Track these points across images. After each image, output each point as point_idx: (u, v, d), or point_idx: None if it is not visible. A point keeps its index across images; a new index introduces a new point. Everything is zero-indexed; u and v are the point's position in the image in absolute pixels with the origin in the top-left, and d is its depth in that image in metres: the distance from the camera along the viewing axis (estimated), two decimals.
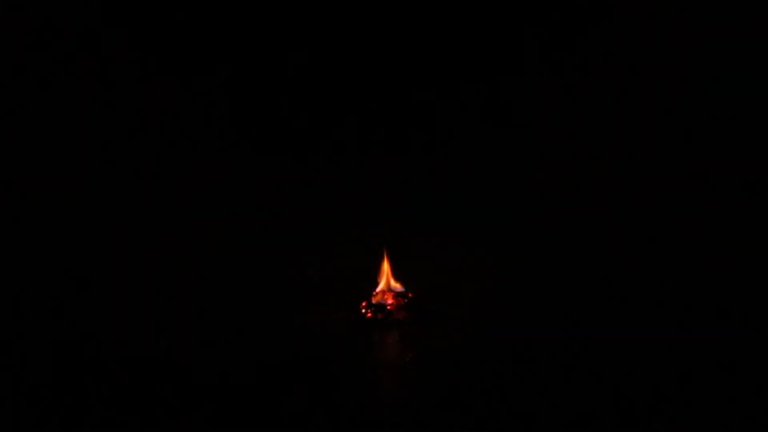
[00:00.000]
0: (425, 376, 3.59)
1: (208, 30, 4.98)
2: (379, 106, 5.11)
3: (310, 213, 5.12)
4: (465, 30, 5.05)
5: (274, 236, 5.12)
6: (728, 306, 4.34)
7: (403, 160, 5.16)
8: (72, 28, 4.85)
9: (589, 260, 4.97)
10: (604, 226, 5.01)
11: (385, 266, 4.55)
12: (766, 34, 4.77)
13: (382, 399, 3.35)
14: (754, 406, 3.11)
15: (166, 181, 5.03)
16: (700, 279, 4.56)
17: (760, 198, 4.79)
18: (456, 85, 5.10)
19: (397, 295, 4.45)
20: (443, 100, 5.11)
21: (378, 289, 4.51)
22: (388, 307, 4.38)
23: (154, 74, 4.96)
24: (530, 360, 3.72)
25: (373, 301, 4.44)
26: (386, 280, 4.53)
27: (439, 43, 5.06)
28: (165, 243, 4.95)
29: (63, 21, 4.84)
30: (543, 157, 5.11)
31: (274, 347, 3.95)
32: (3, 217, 4.82)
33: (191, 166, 5.04)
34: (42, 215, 4.85)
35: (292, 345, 3.98)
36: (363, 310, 4.40)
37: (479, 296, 4.79)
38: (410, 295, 4.46)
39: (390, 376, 3.68)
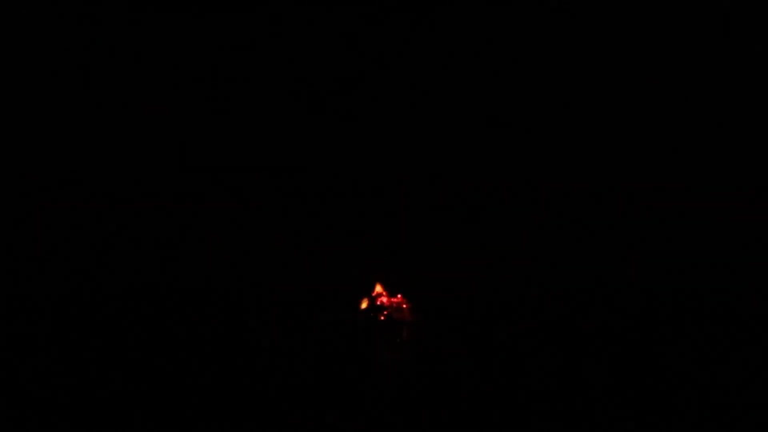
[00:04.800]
0: (425, 373, 3.59)
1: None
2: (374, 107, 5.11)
3: (311, 212, 5.12)
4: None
5: (280, 238, 5.12)
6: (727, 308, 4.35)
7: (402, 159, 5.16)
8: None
9: (586, 262, 4.97)
10: (603, 228, 5.01)
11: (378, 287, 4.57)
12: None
13: (382, 396, 3.36)
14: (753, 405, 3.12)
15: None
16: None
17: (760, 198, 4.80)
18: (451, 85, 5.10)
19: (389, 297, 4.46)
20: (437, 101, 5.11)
21: (374, 292, 4.53)
22: (386, 307, 4.39)
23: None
24: (529, 359, 3.72)
25: (374, 301, 4.45)
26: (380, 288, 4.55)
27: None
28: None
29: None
30: (541, 158, 5.11)
31: (280, 344, 3.95)
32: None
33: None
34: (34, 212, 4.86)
35: (297, 342, 3.99)
36: (364, 310, 4.41)
37: (478, 297, 4.79)
38: (400, 299, 4.46)
39: (390, 374, 3.69)
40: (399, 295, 4.49)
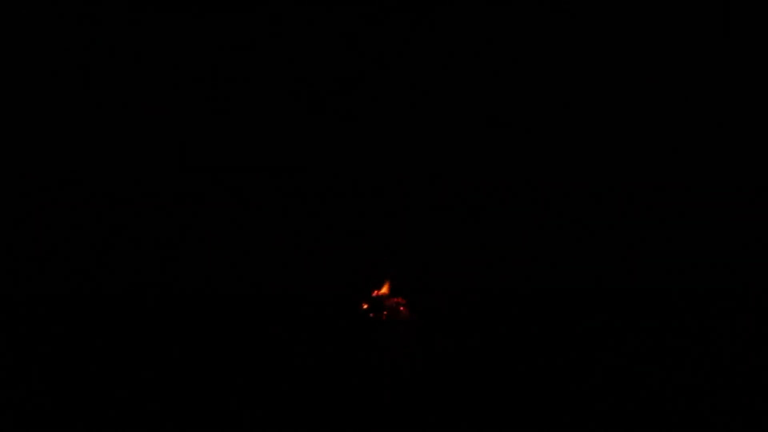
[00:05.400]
0: (424, 373, 3.59)
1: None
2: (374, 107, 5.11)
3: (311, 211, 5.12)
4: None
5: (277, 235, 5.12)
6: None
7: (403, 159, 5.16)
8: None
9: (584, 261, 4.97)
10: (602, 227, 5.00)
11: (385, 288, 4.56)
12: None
13: (383, 396, 3.35)
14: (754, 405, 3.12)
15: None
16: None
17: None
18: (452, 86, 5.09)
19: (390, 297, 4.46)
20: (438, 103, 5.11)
21: (377, 293, 4.52)
22: (386, 307, 4.39)
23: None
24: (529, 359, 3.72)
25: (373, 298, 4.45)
26: (386, 288, 4.54)
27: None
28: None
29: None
30: (540, 159, 5.11)
31: (279, 345, 3.95)
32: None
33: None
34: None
35: (296, 343, 3.99)
36: (364, 310, 4.40)
37: (478, 297, 4.78)
38: (402, 300, 4.46)
39: (390, 374, 3.69)
40: (399, 296, 4.49)
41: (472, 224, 5.12)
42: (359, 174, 5.16)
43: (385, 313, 4.39)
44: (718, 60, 4.90)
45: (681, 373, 3.63)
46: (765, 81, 4.85)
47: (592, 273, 4.89)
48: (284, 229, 5.11)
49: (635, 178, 5.03)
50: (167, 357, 3.85)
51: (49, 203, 4.91)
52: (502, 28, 5.06)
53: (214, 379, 3.52)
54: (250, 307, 4.66)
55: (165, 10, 4.96)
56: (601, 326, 4.28)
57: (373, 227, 5.03)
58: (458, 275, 4.92)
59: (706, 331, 4.15)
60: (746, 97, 4.88)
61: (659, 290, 4.69)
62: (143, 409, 3.23)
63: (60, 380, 3.65)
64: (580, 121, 5.09)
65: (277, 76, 5.10)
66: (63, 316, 4.44)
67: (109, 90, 4.98)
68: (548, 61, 5.07)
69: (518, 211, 5.11)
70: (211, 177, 5.07)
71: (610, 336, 4.08)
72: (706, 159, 4.93)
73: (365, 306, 4.44)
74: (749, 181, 4.87)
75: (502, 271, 4.96)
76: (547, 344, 3.99)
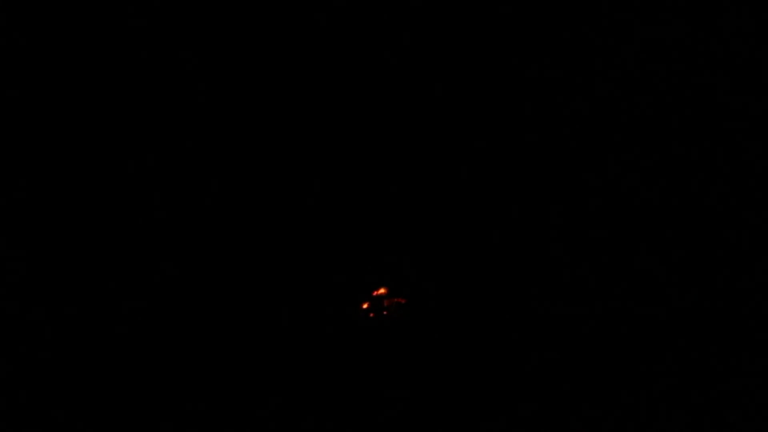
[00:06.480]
0: (424, 373, 3.60)
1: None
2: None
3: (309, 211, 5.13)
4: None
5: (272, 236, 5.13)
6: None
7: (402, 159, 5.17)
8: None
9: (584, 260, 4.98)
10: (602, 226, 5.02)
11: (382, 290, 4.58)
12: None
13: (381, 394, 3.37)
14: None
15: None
16: None
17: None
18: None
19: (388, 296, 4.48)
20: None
21: (377, 293, 4.54)
22: (386, 307, 4.41)
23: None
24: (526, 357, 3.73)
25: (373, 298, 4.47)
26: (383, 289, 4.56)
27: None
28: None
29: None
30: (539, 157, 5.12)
31: (279, 345, 3.96)
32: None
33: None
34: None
35: (297, 343, 4.00)
36: (364, 310, 4.42)
37: (477, 297, 4.79)
38: (402, 300, 4.48)
39: (390, 373, 3.70)
40: (399, 297, 4.50)
41: (472, 224, 5.13)
42: (358, 174, 5.17)
43: (385, 312, 4.40)
44: (718, 60, 4.92)
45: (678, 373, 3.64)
46: (765, 81, 4.86)
47: (592, 273, 4.90)
48: (284, 229, 5.12)
49: (635, 179, 5.05)
50: (166, 357, 3.86)
51: (48, 203, 4.92)
52: (502, 28, 5.07)
53: (214, 379, 3.52)
54: (250, 307, 4.67)
55: (165, 10, 4.97)
56: (600, 326, 4.28)
57: (374, 227, 5.03)
58: (458, 276, 4.93)
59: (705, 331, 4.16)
60: (746, 97, 4.89)
61: (657, 288, 4.71)
62: (143, 409, 3.23)
63: (59, 380, 3.65)
64: (580, 122, 5.10)
65: (278, 76, 5.11)
66: (62, 317, 4.45)
67: (109, 90, 4.99)
68: (548, 60, 5.08)
69: (518, 210, 5.12)
70: (211, 177, 5.08)
71: (609, 335, 4.09)
72: (706, 159, 4.94)
73: (365, 306, 4.45)
74: (749, 182, 4.88)
75: (500, 272, 4.97)
76: (546, 344, 4.00)
